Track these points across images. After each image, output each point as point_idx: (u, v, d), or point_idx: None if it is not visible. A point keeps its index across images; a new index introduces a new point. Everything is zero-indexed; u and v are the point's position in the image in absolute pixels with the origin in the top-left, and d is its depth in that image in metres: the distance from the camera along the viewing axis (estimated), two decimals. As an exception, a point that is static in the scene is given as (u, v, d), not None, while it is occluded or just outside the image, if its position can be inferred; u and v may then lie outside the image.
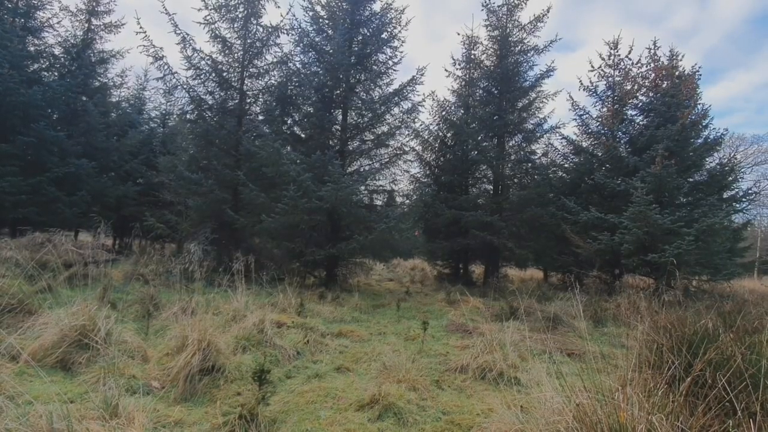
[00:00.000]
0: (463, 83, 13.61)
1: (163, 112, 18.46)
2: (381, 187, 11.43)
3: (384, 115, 10.78)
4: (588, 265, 10.89)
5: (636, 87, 11.81)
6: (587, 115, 12.71)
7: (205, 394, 2.87)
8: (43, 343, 3.09)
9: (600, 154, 11.92)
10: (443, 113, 13.47)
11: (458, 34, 14.23)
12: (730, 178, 11.01)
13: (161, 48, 9.97)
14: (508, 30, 12.48)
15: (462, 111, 13.21)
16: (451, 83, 13.98)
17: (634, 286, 9.57)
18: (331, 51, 10.02)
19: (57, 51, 12.72)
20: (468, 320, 5.74)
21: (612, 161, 11.16)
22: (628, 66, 12.14)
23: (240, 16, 10.61)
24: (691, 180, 10.87)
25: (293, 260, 9.53)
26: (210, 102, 10.83)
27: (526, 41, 12.48)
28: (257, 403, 2.41)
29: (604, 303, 7.47)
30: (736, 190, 11.28)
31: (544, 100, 12.80)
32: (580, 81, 12.69)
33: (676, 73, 11.19)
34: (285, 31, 10.67)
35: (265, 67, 10.90)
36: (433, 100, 13.42)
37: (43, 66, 12.59)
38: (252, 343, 3.82)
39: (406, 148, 11.50)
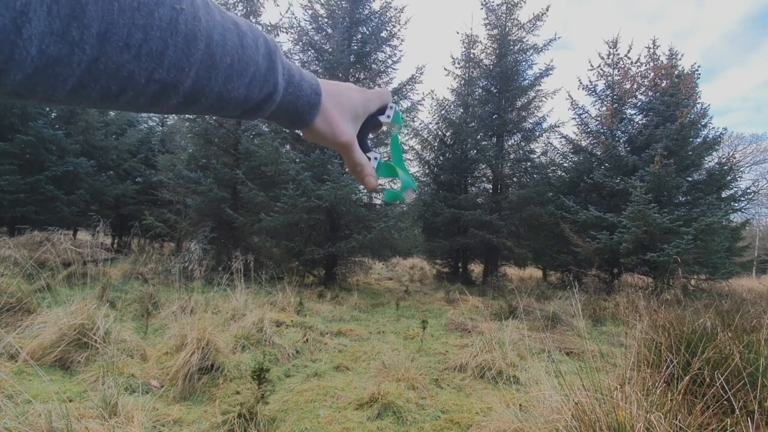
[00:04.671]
0: (463, 82, 13.61)
1: (162, 110, 18.39)
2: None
3: (383, 114, 10.77)
4: (587, 264, 10.92)
5: (635, 86, 11.82)
6: (586, 114, 12.74)
7: (204, 392, 2.87)
8: (42, 342, 3.09)
9: (599, 153, 11.94)
10: (442, 112, 13.48)
11: (457, 32, 14.23)
12: (729, 177, 11.04)
13: (160, 46, 9.95)
14: (507, 29, 12.48)
15: (461, 110, 13.22)
16: (451, 82, 14.06)
17: (632, 285, 9.58)
18: (330, 50, 10.01)
19: (55, 49, 12.69)
20: (467, 319, 5.75)
21: (611, 160, 11.17)
22: (627, 65, 12.16)
23: (239, 14, 10.59)
24: (689, 179, 10.90)
25: (292, 259, 9.52)
26: (209, 100, 10.81)
27: (525, 40, 12.49)
28: (256, 402, 2.41)
29: (602, 302, 7.48)
30: (735, 189, 11.31)
31: (543, 98, 12.83)
32: (579, 80, 12.72)
33: (675, 72, 11.20)
34: (284, 30, 10.65)
35: (264, 66, 10.88)
36: (433, 99, 13.44)
37: (42, 64, 12.56)
38: (251, 342, 3.82)
39: (405, 147, 11.52)
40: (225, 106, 0.36)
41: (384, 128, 0.53)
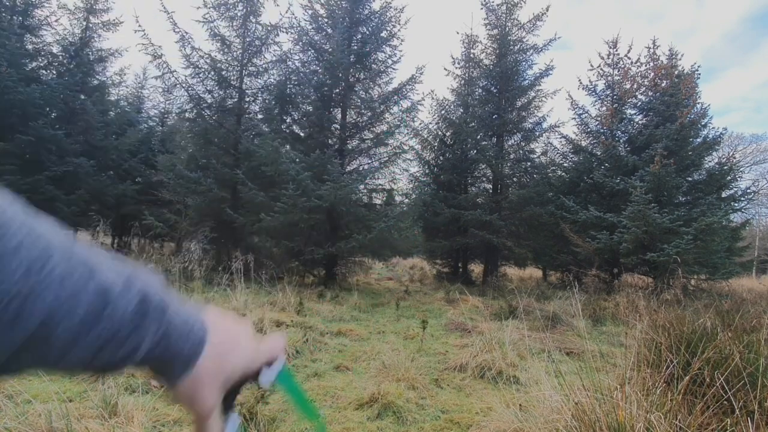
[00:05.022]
0: (463, 82, 13.61)
1: (162, 110, 18.46)
2: (380, 186, 11.43)
3: (383, 114, 10.77)
4: (587, 264, 10.92)
5: (635, 86, 11.82)
6: (586, 114, 12.73)
7: (205, 392, 2.86)
8: (42, 341, 3.08)
9: (599, 153, 11.94)
10: (442, 112, 13.48)
11: (457, 32, 14.22)
12: (729, 177, 11.04)
13: (160, 46, 9.95)
14: (507, 29, 12.48)
15: (461, 110, 13.22)
16: (451, 82, 14.05)
17: (632, 284, 9.58)
18: (330, 50, 10.01)
19: (55, 49, 12.66)
20: (467, 319, 5.75)
21: (611, 160, 11.17)
22: (627, 65, 12.15)
23: (239, 14, 10.59)
24: (689, 179, 10.90)
25: (292, 259, 9.52)
26: (209, 100, 10.81)
27: (525, 40, 12.49)
28: (256, 402, 2.41)
29: (602, 302, 7.48)
30: (735, 189, 11.31)
31: (543, 98, 12.83)
32: (579, 80, 12.72)
33: (675, 72, 11.20)
34: (284, 30, 10.67)
35: (264, 66, 10.89)
36: (433, 99, 13.44)
37: (42, 64, 12.54)
38: (251, 342, 3.81)
39: (406, 147, 11.51)
40: (61, 369, 0.33)
41: (265, 386, 0.47)
